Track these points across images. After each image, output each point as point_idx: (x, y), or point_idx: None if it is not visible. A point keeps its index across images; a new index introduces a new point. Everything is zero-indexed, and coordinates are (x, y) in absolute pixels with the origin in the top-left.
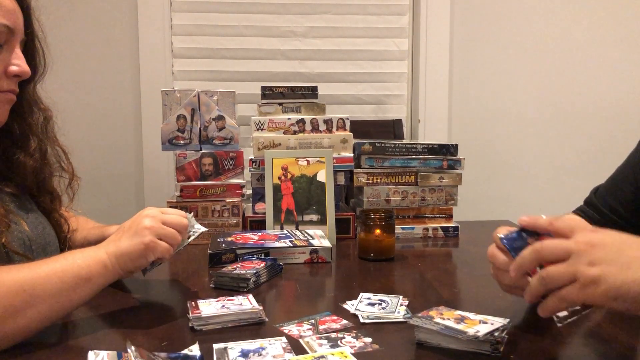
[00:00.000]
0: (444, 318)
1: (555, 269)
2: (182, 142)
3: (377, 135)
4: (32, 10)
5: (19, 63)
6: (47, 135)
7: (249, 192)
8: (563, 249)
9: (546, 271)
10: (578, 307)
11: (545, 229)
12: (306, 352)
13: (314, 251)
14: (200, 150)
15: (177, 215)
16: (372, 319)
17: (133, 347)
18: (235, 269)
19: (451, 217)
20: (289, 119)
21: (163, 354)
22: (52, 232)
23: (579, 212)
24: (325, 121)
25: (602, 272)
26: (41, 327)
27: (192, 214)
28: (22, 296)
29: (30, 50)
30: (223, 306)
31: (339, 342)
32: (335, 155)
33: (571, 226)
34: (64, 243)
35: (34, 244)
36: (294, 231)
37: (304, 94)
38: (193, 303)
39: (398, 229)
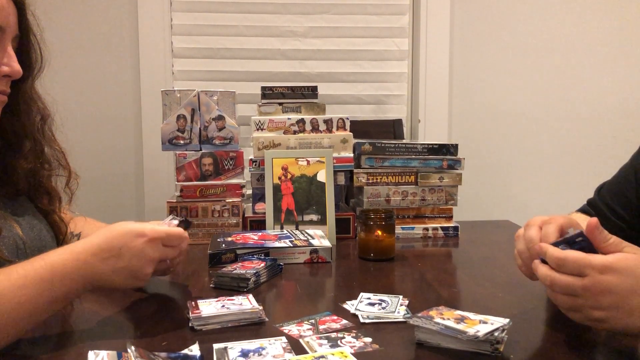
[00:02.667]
0: (444, 318)
1: (564, 300)
2: (182, 142)
3: (377, 135)
4: (27, 5)
5: (9, 63)
6: (44, 136)
7: (249, 192)
8: (572, 290)
9: (555, 297)
10: None
11: (555, 261)
12: (306, 352)
13: (314, 251)
14: (200, 150)
15: (175, 236)
16: (372, 319)
17: (133, 347)
18: (235, 269)
19: (451, 217)
20: (289, 119)
21: (163, 354)
22: (50, 234)
23: (581, 212)
24: (325, 121)
25: (606, 316)
26: None
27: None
28: None
29: (25, 46)
30: (223, 306)
31: (339, 342)
32: (335, 155)
33: (580, 266)
34: (62, 245)
35: (28, 247)
36: (294, 231)
37: (304, 94)
38: (193, 303)
39: (398, 229)
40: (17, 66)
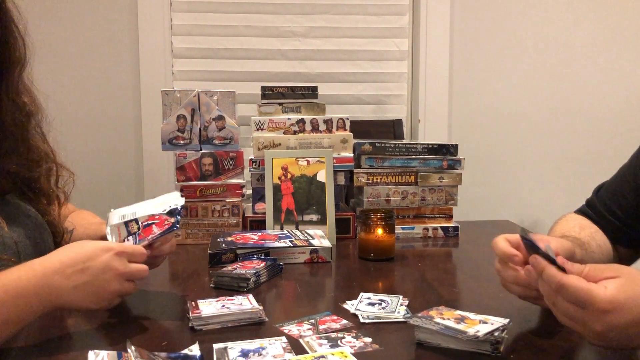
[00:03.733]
0: (444, 318)
1: (565, 322)
2: (182, 142)
3: (377, 135)
4: None
5: None
6: (29, 133)
7: (249, 192)
8: (572, 317)
9: (556, 314)
10: None
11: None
12: (306, 352)
13: (314, 251)
14: (200, 150)
15: (139, 253)
16: (372, 319)
17: (133, 347)
18: (235, 269)
19: (451, 217)
20: (289, 119)
21: (163, 354)
22: (46, 232)
23: (580, 212)
24: (325, 121)
25: (606, 345)
26: None
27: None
28: None
29: (6, 38)
30: (223, 306)
31: (339, 342)
32: (335, 155)
33: (582, 300)
34: (60, 243)
35: (21, 248)
36: (294, 231)
37: (304, 94)
38: (193, 303)
39: (398, 229)
40: None
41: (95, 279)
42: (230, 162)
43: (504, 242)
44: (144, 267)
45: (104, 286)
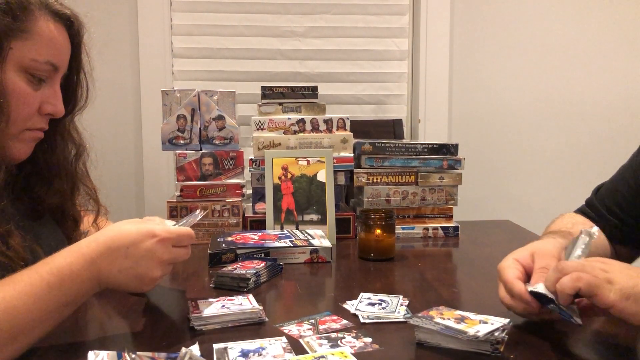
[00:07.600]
0: (444, 318)
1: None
2: (182, 142)
3: (377, 135)
4: (84, 45)
5: (55, 102)
6: (77, 172)
7: (249, 192)
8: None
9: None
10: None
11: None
12: (306, 352)
13: (314, 251)
14: (200, 150)
15: (186, 235)
16: (372, 319)
17: (133, 355)
18: (235, 269)
19: (451, 217)
20: (289, 118)
21: (163, 354)
22: None
23: (579, 212)
24: (325, 121)
25: (615, 276)
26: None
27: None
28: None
29: (73, 84)
30: (223, 306)
31: (339, 342)
32: (335, 155)
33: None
34: None
35: None
36: (294, 231)
37: (304, 94)
38: (193, 303)
39: (398, 229)
40: (61, 106)
41: (137, 265)
42: (230, 162)
43: (512, 272)
44: (185, 251)
45: (146, 272)
